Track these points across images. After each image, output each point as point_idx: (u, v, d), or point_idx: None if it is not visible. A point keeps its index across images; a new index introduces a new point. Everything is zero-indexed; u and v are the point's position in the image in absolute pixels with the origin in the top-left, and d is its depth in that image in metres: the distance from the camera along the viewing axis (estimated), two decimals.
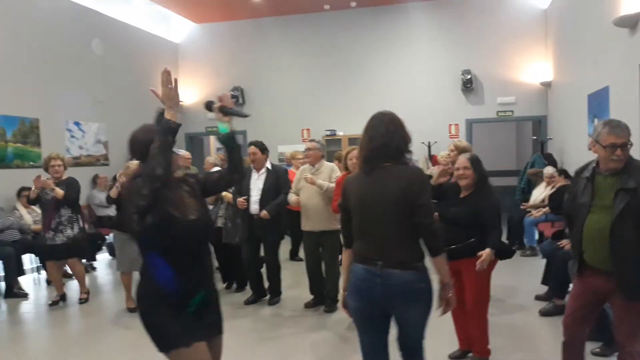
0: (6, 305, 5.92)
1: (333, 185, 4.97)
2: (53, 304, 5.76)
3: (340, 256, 4.93)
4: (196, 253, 2.31)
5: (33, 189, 5.63)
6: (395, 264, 2.37)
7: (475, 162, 3.56)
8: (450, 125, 10.46)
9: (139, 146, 2.26)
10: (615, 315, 2.89)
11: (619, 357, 2.91)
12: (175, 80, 2.17)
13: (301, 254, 6.79)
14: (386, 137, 2.47)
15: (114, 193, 5.35)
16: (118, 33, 9.72)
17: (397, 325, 2.50)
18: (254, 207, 5.27)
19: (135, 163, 5.26)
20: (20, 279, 6.40)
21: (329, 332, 4.63)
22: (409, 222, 2.36)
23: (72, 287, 6.35)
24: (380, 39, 10.70)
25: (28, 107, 7.60)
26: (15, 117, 7.37)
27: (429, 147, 10.12)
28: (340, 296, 2.77)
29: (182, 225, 2.22)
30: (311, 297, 5.38)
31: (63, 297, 5.88)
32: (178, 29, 11.55)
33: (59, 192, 5.53)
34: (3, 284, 6.29)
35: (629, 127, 2.70)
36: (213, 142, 13.22)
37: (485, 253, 3.34)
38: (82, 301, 5.82)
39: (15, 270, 6.25)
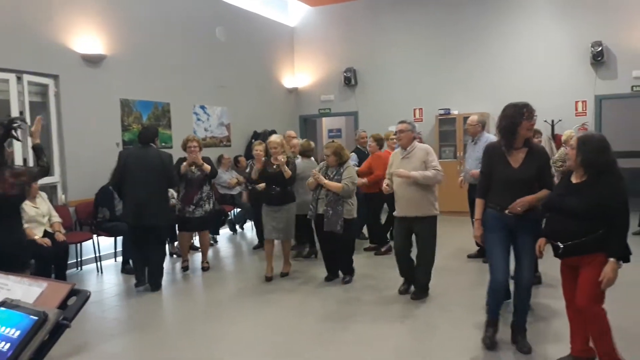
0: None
1: (429, 173, 4.70)
2: (184, 269, 6.40)
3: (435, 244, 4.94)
4: None
5: (184, 164, 6.13)
6: None
7: (582, 142, 3.16)
8: (577, 102, 9.71)
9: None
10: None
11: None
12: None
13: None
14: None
15: (255, 174, 5.97)
16: (239, 20, 10.19)
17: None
18: None
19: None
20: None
21: (416, 320, 4.51)
22: None
23: (194, 259, 6.89)
24: (499, 12, 10.14)
25: (160, 93, 8.28)
26: (149, 102, 8.09)
27: (552, 125, 9.50)
28: None
29: None
30: (401, 281, 5.19)
31: (187, 266, 6.48)
32: (294, 12, 11.86)
33: (207, 166, 6.17)
34: None
35: None
36: (325, 124, 13.49)
37: (609, 269, 3.02)
38: (205, 269, 6.40)
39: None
